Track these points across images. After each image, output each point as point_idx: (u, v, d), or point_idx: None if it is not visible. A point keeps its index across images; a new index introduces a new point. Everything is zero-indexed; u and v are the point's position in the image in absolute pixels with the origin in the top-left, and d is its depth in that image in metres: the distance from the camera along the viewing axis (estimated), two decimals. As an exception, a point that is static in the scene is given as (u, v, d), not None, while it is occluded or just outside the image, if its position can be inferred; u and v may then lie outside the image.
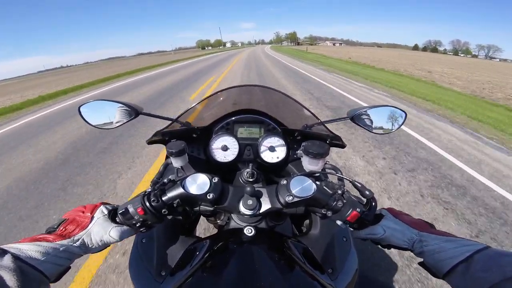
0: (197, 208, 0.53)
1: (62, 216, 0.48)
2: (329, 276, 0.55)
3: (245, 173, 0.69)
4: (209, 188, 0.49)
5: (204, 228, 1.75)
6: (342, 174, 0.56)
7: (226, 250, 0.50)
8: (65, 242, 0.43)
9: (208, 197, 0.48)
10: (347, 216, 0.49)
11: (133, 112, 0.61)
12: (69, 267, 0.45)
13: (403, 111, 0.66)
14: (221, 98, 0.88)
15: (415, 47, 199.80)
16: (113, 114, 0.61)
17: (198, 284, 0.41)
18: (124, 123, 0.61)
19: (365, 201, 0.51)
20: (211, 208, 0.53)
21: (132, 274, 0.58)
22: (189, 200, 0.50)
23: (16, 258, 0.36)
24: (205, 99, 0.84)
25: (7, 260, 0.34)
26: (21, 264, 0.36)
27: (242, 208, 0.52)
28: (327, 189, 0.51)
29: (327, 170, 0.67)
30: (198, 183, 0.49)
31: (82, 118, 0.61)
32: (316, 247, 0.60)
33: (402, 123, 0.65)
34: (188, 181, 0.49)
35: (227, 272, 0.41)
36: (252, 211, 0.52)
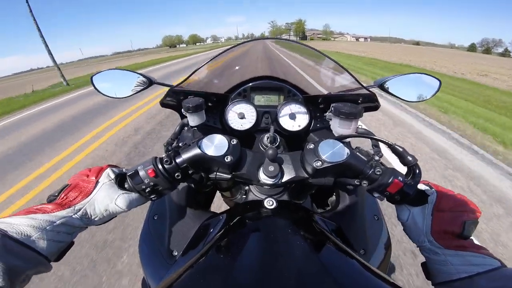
0: (213, 175, 0.48)
1: (67, 182, 0.42)
2: (361, 258, 0.52)
3: (265, 138, 0.63)
4: (227, 150, 0.44)
5: (219, 206, 1.67)
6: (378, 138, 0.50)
7: (244, 224, 0.46)
8: (64, 213, 0.37)
9: (226, 160, 0.44)
10: (387, 186, 0.42)
11: (147, 81, 0.59)
12: (72, 243, 0.40)
13: (437, 79, 0.60)
14: (235, 61, 0.82)
15: (472, 48, 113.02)
16: (125, 84, 0.60)
17: (212, 264, 0.35)
18: (136, 92, 0.59)
19: (406, 170, 0.45)
20: (229, 176, 0.48)
21: (141, 255, 0.55)
22: (205, 163, 0.46)
23: (5, 235, 0.30)
24: (216, 56, 0.74)
25: None
26: (11, 243, 0.30)
27: (262, 176, 0.47)
28: (361, 155, 0.45)
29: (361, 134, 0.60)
30: (216, 144, 0.45)
31: (94, 87, 0.59)
32: (345, 226, 0.55)
33: (437, 91, 0.60)
34: (205, 141, 0.45)
35: (246, 249, 0.36)
36: (273, 180, 0.47)
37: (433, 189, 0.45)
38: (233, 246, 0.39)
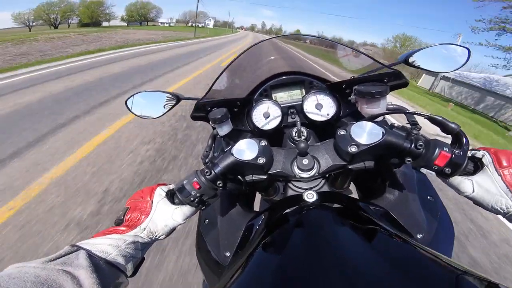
0: (250, 178, 0.50)
1: (125, 205, 0.48)
2: (420, 242, 0.46)
3: (293, 133, 0.63)
4: (258, 152, 0.46)
5: (262, 207, 1.63)
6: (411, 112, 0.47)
7: (285, 220, 0.45)
8: (132, 232, 0.42)
9: (259, 162, 0.46)
10: (434, 159, 0.39)
11: (175, 98, 0.63)
12: (143, 258, 0.45)
13: (465, 47, 0.57)
14: (250, 64, 0.85)
15: None
16: (156, 103, 0.64)
17: (260, 263, 0.36)
18: (168, 110, 0.64)
19: (451, 140, 0.41)
20: (264, 176, 0.49)
21: (199, 258, 0.57)
22: (240, 167, 0.48)
23: (90, 255, 0.35)
24: (231, 63, 0.74)
25: (82, 258, 0.33)
26: (96, 261, 0.35)
27: (297, 171, 0.48)
28: (398, 131, 0.43)
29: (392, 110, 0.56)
30: (247, 148, 0.47)
31: (129, 110, 0.64)
32: (396, 211, 0.51)
33: (467, 60, 0.56)
34: (236, 148, 0.48)
35: (288, 246, 0.35)
36: (309, 173, 0.47)
37: (483, 151, 0.42)
38: (276, 244, 0.38)
